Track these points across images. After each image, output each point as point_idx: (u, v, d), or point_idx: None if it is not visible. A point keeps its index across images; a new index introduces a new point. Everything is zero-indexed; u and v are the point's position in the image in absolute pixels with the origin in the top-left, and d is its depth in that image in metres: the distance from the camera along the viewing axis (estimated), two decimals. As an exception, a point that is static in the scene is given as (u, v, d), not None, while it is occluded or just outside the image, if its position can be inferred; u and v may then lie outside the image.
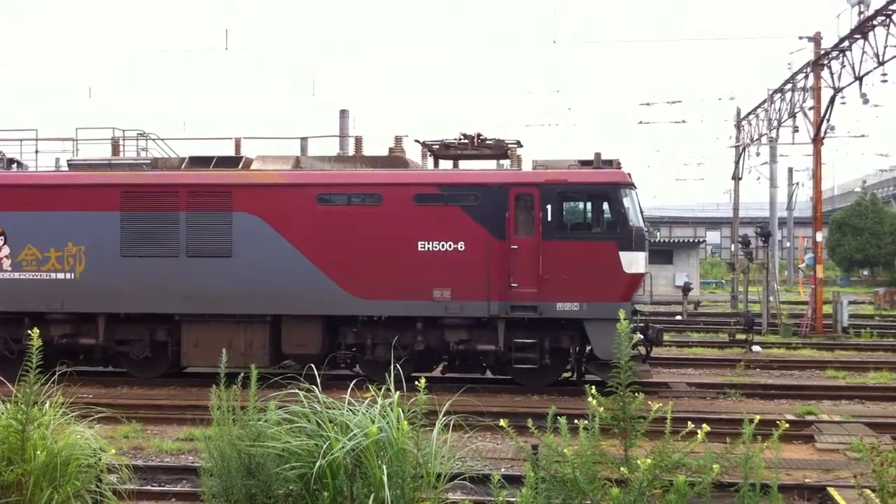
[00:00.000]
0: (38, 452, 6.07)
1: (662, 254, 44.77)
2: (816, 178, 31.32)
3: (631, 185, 16.88)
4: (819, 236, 31.09)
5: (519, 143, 18.02)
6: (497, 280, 16.39)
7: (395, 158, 17.84)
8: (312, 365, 7.25)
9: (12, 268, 17.45)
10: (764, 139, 39.06)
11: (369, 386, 6.68)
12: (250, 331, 17.13)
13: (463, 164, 18.43)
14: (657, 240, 48.68)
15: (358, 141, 18.62)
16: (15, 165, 19.20)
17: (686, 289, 34.26)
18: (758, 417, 6.10)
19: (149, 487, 9.84)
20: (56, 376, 7.05)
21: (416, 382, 6.25)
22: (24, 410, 6.16)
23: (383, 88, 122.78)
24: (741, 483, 5.71)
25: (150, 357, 17.76)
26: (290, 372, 7.37)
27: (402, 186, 16.89)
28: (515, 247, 16.41)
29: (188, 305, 17.18)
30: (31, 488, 6.06)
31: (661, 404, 5.88)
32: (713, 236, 79.40)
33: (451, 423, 6.43)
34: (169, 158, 18.76)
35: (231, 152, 18.51)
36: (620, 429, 5.79)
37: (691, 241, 50.73)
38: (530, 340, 16.56)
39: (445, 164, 18.44)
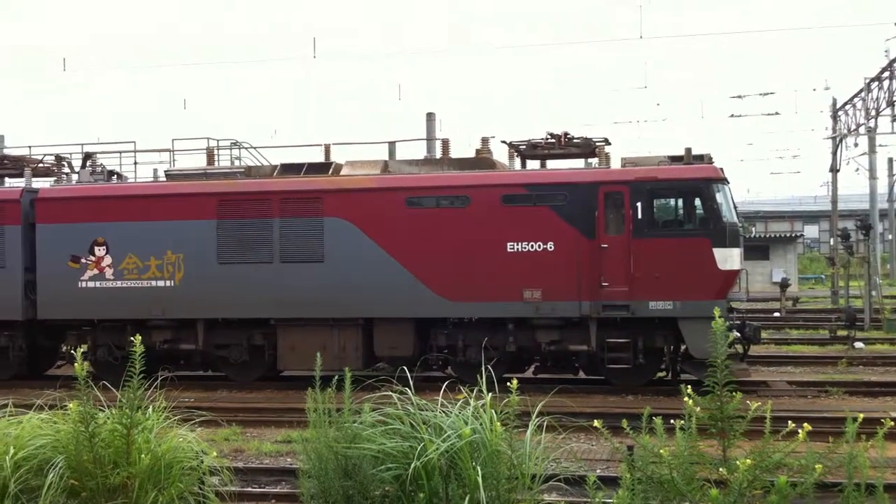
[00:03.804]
0: (143, 456, 6.21)
1: (758, 249, 43.73)
2: (919, 167, 30.17)
3: (723, 180, 16.54)
4: (923, 227, 29.95)
5: (607, 141, 17.82)
6: (588, 280, 16.24)
7: (481, 160, 17.85)
8: (405, 367, 7.31)
9: (115, 276, 18.03)
10: (861, 129, 37.80)
11: (461, 387, 6.70)
12: (343, 334, 17.35)
13: (550, 163, 18.33)
14: (752, 235, 47.57)
15: (445, 143, 18.68)
16: (115, 177, 19.85)
17: (784, 285, 33.38)
18: (861, 416, 5.90)
19: (249, 489, 10.04)
20: (158, 381, 7.24)
21: (509, 384, 6.24)
22: (128, 415, 6.32)
23: (469, 90, 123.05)
24: (845, 483, 5.54)
25: (247, 361, 18.13)
26: (382, 374, 7.43)
27: (489, 188, 16.89)
28: (605, 245, 16.24)
29: (283, 310, 17.49)
30: (137, 491, 6.21)
31: (759, 403, 5.73)
32: (811, 230, 77.11)
33: (545, 424, 6.39)
34: (261, 166, 19.13)
35: (321, 158, 18.79)
36: (718, 429, 5.68)
37: (788, 235, 49.37)
38: (623, 340, 16.36)
39: (533, 165, 18.36)
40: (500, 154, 18.47)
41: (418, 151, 19.87)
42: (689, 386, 5.98)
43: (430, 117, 35.88)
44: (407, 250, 16.99)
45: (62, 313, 18.34)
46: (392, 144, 19.41)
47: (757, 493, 5.41)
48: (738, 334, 16.43)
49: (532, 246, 16.52)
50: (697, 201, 16.36)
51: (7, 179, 20.93)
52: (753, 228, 56.34)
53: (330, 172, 18.03)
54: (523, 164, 18.25)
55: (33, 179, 20.19)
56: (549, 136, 17.91)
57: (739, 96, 45.62)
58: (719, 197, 16.23)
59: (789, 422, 5.88)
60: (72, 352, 18.28)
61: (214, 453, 6.86)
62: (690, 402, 5.74)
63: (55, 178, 20.46)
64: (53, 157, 20.57)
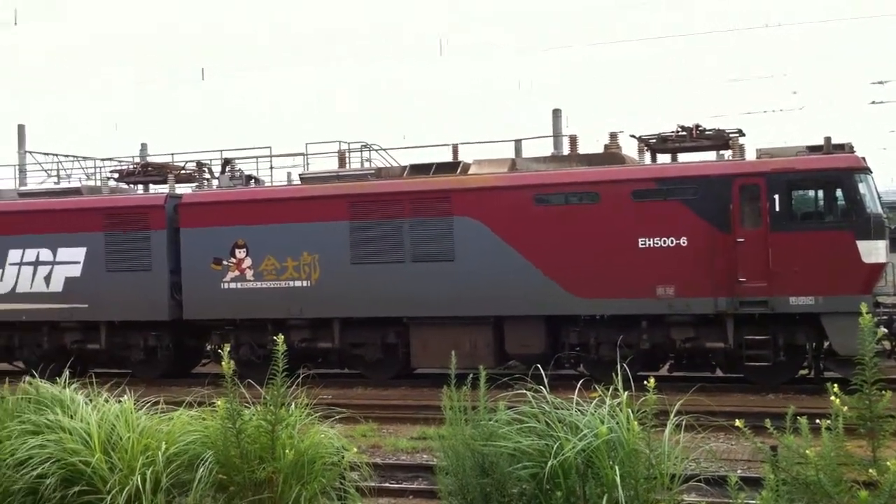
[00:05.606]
0: (287, 451, 6.40)
1: (905, 241, 41.72)
2: None
3: (866, 170, 15.89)
4: None
5: (740, 132, 17.35)
6: (723, 275, 15.85)
7: (610, 155, 17.65)
8: (538, 365, 7.30)
9: (255, 278, 18.67)
10: None
11: (595, 386, 6.65)
12: (474, 332, 17.45)
13: (682, 157, 17.95)
14: (898, 226, 45.39)
15: (572, 139, 18.58)
16: (253, 181, 20.55)
17: (933, 277, 31.73)
18: None
19: (387, 485, 10.22)
20: (299, 379, 7.44)
21: (645, 382, 6.16)
22: (273, 412, 6.53)
23: (595, 86, 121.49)
24: None
25: (381, 359, 18.48)
26: (516, 372, 7.45)
27: (619, 183, 16.68)
28: (741, 240, 15.82)
29: (415, 309, 17.73)
30: (282, 485, 6.41)
31: (911, 402, 5.50)
32: (962, 219, 73.07)
33: (683, 423, 6.28)
34: (391, 168, 19.45)
35: (449, 158, 18.96)
36: (867, 429, 5.46)
37: (937, 225, 46.90)
38: (762, 337, 15.90)
39: (663, 159, 18.03)
40: (629, 149, 18.24)
41: (545, 148, 19.79)
42: (835, 384, 5.78)
43: (556, 113, 35.64)
44: (536, 248, 16.96)
45: (206, 313, 19.09)
46: (518, 142, 19.40)
47: (909, 495, 5.18)
48: (886, 330, 15.73)
49: (664, 241, 16.23)
50: (839, 192, 15.77)
51: (152, 186, 21.96)
52: (899, 219, 53.70)
53: (458, 172, 18.17)
54: (653, 159, 17.95)
55: (176, 185, 21.13)
56: (679, 129, 17.56)
57: (880, 82, 43.37)
58: (861, 187, 15.59)
59: (944, 421, 5.61)
60: (217, 350, 19.04)
61: (354, 449, 7.01)
62: (837, 400, 5.54)
63: (196, 184, 21.35)
64: (195, 164, 21.46)
